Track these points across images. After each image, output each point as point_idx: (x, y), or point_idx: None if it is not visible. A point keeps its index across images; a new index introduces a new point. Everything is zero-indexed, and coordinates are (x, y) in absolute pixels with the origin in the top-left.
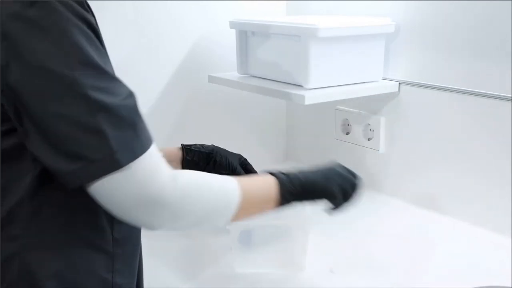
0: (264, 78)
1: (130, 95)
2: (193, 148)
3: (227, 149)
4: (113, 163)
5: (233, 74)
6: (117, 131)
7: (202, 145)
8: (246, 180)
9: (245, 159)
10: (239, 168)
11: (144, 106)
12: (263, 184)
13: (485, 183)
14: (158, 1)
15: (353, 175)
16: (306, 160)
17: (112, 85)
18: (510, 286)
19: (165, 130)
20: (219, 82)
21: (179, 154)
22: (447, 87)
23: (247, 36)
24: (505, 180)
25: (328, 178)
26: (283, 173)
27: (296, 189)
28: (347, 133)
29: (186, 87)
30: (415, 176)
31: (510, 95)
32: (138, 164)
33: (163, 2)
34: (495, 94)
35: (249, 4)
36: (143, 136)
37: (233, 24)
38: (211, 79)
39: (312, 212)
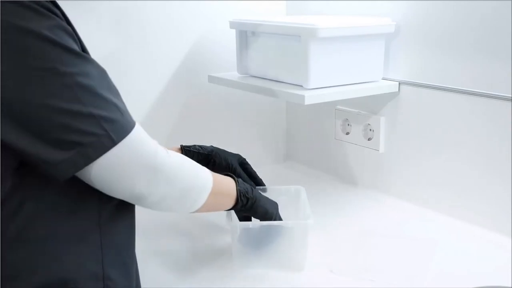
0: (264, 78)
1: (104, 71)
2: (192, 149)
3: (226, 149)
4: (108, 142)
5: (233, 74)
6: (103, 111)
7: (201, 146)
8: (215, 174)
9: (245, 160)
10: (238, 169)
11: (144, 106)
12: (227, 182)
13: (485, 183)
14: (158, 1)
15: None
16: (306, 160)
17: (87, 66)
18: (510, 286)
19: (165, 130)
20: (219, 82)
21: None
22: (447, 87)
23: (247, 36)
24: (505, 180)
25: (272, 204)
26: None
27: (249, 196)
28: (347, 133)
29: (186, 87)
30: (415, 176)
31: (510, 95)
32: (131, 138)
33: (163, 2)
34: (495, 94)
35: (249, 4)
36: (127, 111)
37: (233, 24)
38: (211, 79)
39: (312, 212)
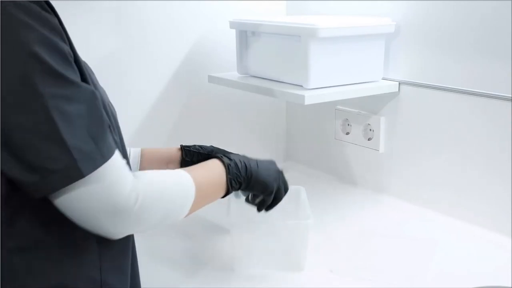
0: (264, 78)
1: (91, 99)
2: (192, 149)
3: (226, 149)
4: (74, 173)
5: (233, 74)
6: (77, 140)
7: (201, 146)
8: (199, 171)
9: None
10: None
11: (144, 106)
12: (214, 174)
13: (485, 183)
14: (158, 1)
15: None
16: (306, 160)
17: (71, 91)
18: (510, 286)
19: (165, 130)
20: (219, 82)
21: (178, 155)
22: (447, 87)
23: (247, 36)
24: (505, 180)
25: (271, 176)
26: (230, 159)
27: (241, 179)
28: (347, 133)
29: (186, 87)
30: (415, 176)
31: (510, 95)
32: (100, 173)
33: (163, 2)
34: (495, 94)
35: (249, 4)
36: (104, 145)
37: (233, 24)
38: (211, 79)
39: (312, 212)
